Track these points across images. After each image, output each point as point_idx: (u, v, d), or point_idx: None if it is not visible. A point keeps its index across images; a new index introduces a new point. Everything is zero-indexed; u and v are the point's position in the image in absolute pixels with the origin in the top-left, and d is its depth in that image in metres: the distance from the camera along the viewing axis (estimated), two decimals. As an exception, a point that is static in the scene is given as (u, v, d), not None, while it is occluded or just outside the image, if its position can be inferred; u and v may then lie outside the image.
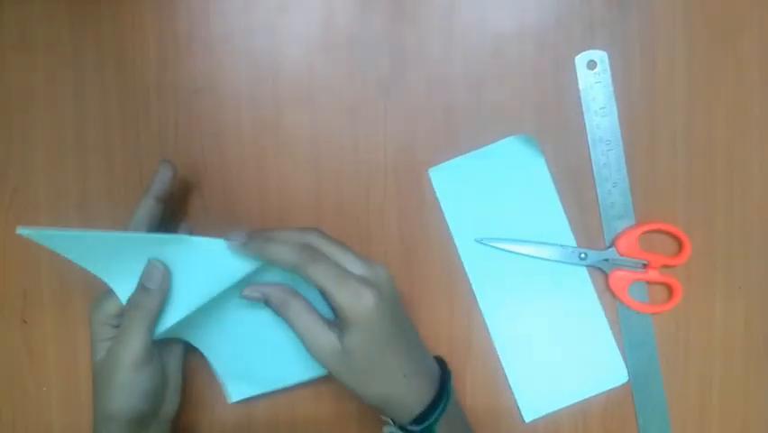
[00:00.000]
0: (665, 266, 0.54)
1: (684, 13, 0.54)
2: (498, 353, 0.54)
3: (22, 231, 0.42)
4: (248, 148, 0.54)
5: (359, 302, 0.42)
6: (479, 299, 0.54)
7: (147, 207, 0.48)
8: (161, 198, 0.49)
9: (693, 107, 0.54)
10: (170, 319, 0.46)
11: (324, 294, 0.43)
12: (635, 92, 0.54)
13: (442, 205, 0.54)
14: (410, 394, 0.45)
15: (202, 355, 0.52)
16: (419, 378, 0.45)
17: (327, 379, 0.54)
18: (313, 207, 0.54)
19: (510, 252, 0.54)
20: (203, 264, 0.46)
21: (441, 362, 0.48)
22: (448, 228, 0.54)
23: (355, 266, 0.44)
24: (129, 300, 0.45)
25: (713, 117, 0.54)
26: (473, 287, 0.54)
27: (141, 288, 0.45)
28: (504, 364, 0.54)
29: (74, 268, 0.53)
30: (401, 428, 0.45)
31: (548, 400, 0.54)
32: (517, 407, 0.54)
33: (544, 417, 0.54)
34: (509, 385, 0.54)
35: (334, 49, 0.54)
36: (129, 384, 0.45)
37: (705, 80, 0.54)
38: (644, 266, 0.54)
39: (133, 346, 0.45)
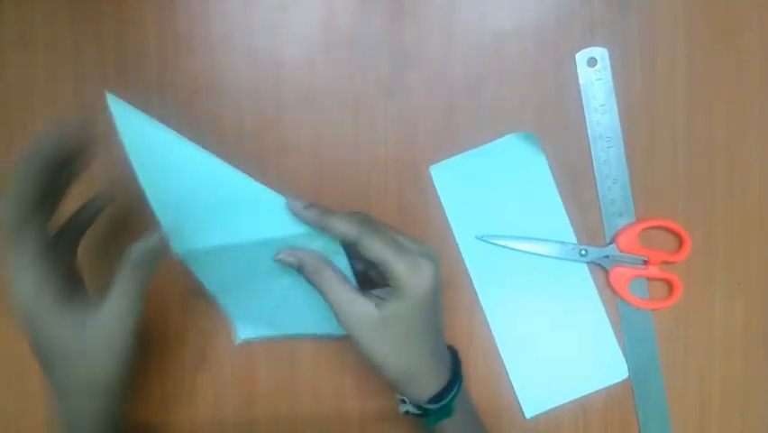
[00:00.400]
0: (665, 263, 0.54)
1: (685, 11, 0.54)
2: (499, 349, 0.54)
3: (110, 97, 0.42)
4: (249, 147, 0.54)
5: (417, 273, 0.43)
6: (480, 295, 0.54)
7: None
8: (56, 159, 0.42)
9: (693, 104, 0.54)
10: (199, 241, 0.46)
11: (381, 265, 0.43)
12: (635, 89, 0.54)
13: (443, 202, 0.54)
14: (431, 373, 0.46)
15: (202, 354, 0.52)
16: (440, 360, 0.47)
17: (330, 369, 0.54)
18: (314, 205, 0.54)
19: (511, 249, 0.54)
20: (251, 208, 0.46)
21: (451, 349, 0.50)
22: (449, 226, 0.54)
23: (409, 243, 0.45)
24: (130, 259, 0.42)
25: (713, 114, 0.54)
26: (474, 284, 0.54)
27: (147, 249, 0.43)
28: (505, 361, 0.54)
29: (76, 268, 0.54)
30: (417, 406, 0.46)
31: (549, 396, 0.55)
32: (518, 403, 0.55)
33: (544, 413, 0.55)
34: (510, 381, 0.54)
35: (335, 48, 0.54)
36: (124, 350, 0.43)
37: (705, 78, 0.54)
38: (645, 263, 0.54)
39: (136, 307, 0.43)
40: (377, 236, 0.43)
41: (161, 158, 0.44)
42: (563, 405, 0.55)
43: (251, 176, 0.46)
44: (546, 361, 0.54)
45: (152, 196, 0.45)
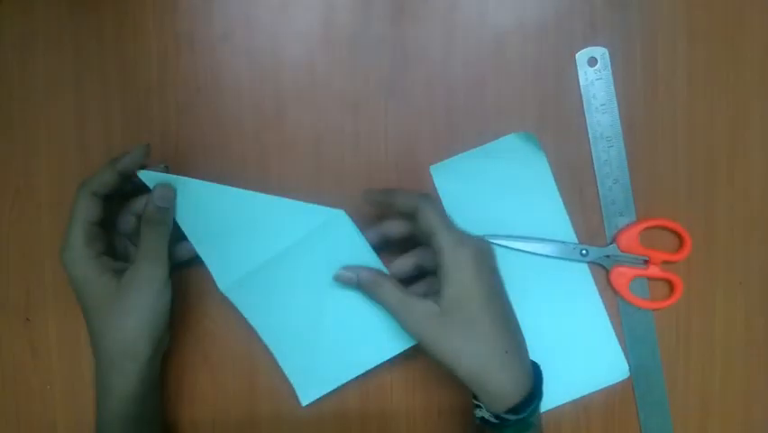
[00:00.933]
0: (666, 262, 0.54)
1: (685, 10, 0.54)
2: (500, 349, 0.54)
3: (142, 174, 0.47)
4: (250, 146, 0.54)
5: (462, 246, 0.44)
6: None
7: (107, 177, 0.47)
8: (124, 173, 0.47)
9: (694, 103, 0.54)
10: (239, 269, 0.49)
11: (432, 235, 0.44)
12: (636, 89, 0.54)
13: (443, 202, 0.54)
14: (508, 376, 0.45)
15: (203, 354, 0.52)
16: (518, 362, 0.45)
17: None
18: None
19: (511, 248, 0.54)
20: (273, 220, 0.49)
21: (534, 364, 0.48)
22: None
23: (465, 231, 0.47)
24: (146, 219, 0.46)
25: (714, 113, 0.54)
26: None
27: (156, 207, 0.46)
28: (506, 361, 0.54)
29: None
30: (496, 416, 0.45)
31: (550, 396, 0.54)
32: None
33: (545, 412, 0.55)
34: (511, 381, 0.54)
35: (336, 47, 0.54)
36: (157, 305, 0.46)
37: (706, 77, 0.54)
38: (645, 262, 0.54)
39: (163, 262, 0.46)
40: (433, 207, 0.45)
41: (197, 206, 0.48)
42: (564, 405, 0.55)
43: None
44: (547, 360, 0.54)
45: (196, 242, 0.49)
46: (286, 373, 0.53)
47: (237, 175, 0.54)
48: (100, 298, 0.46)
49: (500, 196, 0.54)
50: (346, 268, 0.48)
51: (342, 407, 0.55)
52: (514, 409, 0.44)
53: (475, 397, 0.46)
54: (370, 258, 0.49)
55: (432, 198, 0.47)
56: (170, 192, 0.47)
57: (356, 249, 0.49)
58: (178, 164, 0.54)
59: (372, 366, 0.51)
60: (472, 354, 0.44)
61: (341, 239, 0.49)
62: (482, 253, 0.45)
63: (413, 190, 0.47)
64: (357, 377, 0.52)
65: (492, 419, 0.45)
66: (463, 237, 0.45)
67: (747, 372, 0.55)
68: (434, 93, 0.54)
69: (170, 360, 0.55)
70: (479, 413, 0.46)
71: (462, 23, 0.54)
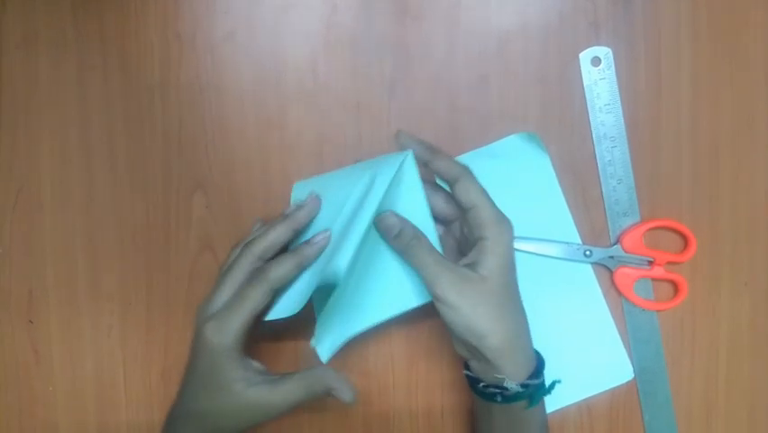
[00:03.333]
0: (671, 263, 0.54)
1: (689, 10, 0.54)
2: (504, 350, 0.54)
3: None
4: (252, 146, 0.54)
5: (503, 222, 0.45)
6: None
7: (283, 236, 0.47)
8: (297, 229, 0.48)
9: (698, 103, 0.54)
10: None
11: (473, 209, 0.45)
12: (639, 89, 0.54)
13: (446, 203, 0.54)
14: (529, 345, 0.47)
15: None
16: (530, 335, 0.47)
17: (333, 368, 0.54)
18: (317, 205, 0.54)
19: (515, 249, 0.54)
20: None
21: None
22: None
23: None
24: (308, 378, 0.46)
25: (718, 113, 0.54)
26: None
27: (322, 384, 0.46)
28: (509, 362, 0.54)
29: (79, 268, 0.54)
30: (521, 384, 0.45)
31: (553, 398, 0.54)
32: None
33: (549, 414, 0.54)
34: (515, 383, 0.54)
35: (338, 47, 0.54)
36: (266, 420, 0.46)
37: (710, 77, 0.54)
38: (650, 263, 0.54)
39: (292, 407, 0.46)
40: (475, 179, 0.46)
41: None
42: (568, 406, 0.54)
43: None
44: (551, 362, 0.54)
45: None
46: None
47: (240, 175, 0.54)
48: (222, 384, 0.45)
49: (503, 196, 0.54)
50: (392, 213, 0.46)
51: (344, 407, 0.55)
52: (535, 374, 0.46)
53: (478, 379, 0.46)
54: (422, 209, 0.47)
55: (469, 171, 0.46)
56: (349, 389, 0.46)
57: (412, 196, 0.47)
58: (181, 165, 0.54)
59: (381, 320, 0.48)
60: (504, 322, 0.45)
61: (402, 184, 0.47)
62: (512, 230, 0.46)
63: (453, 160, 0.46)
64: (365, 335, 0.49)
65: (519, 388, 0.45)
66: (502, 214, 0.46)
67: (752, 373, 0.55)
68: (437, 93, 0.54)
69: (171, 360, 0.55)
70: (507, 384, 0.45)
71: (465, 23, 0.54)
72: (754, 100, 0.54)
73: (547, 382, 0.48)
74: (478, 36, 0.54)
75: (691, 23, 0.54)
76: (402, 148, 0.47)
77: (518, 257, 0.53)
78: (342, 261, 0.45)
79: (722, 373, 0.55)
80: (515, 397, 0.45)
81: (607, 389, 0.54)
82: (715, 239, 0.54)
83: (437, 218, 0.48)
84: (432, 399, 0.55)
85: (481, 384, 0.47)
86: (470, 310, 0.44)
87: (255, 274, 0.46)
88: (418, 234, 0.46)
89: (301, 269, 0.46)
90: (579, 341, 0.54)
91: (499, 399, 0.46)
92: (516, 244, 0.54)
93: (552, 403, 0.54)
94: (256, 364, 0.47)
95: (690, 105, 0.54)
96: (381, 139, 0.54)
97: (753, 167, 0.54)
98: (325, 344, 0.48)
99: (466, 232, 0.47)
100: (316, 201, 0.48)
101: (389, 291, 0.48)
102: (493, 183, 0.54)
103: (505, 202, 0.54)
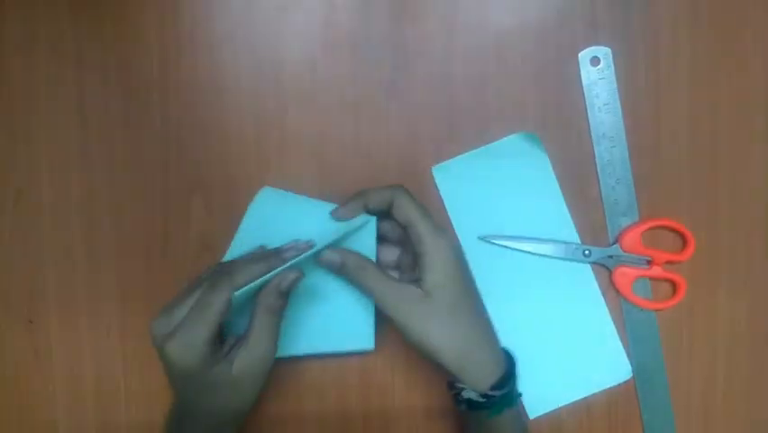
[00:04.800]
0: (669, 262, 0.54)
1: (688, 9, 0.53)
2: (503, 350, 0.54)
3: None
4: (251, 147, 0.54)
5: (441, 235, 0.46)
6: (483, 296, 0.54)
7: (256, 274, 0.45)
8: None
9: (697, 103, 0.54)
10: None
11: (410, 226, 0.46)
12: (638, 88, 0.54)
13: (445, 203, 0.54)
14: (489, 356, 0.47)
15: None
16: (494, 343, 0.48)
17: (334, 369, 0.54)
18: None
19: (514, 249, 0.54)
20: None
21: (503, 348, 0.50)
22: (452, 226, 0.54)
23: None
24: (262, 304, 0.45)
25: (717, 113, 0.54)
26: (477, 284, 0.54)
27: (279, 294, 0.45)
28: (508, 361, 0.54)
29: (79, 268, 0.54)
30: (482, 394, 0.46)
31: (552, 397, 0.54)
32: (522, 403, 0.54)
33: (548, 413, 0.54)
34: (514, 382, 0.54)
35: (337, 47, 0.54)
36: (262, 386, 0.46)
37: (709, 76, 0.54)
38: (648, 262, 0.54)
39: (275, 342, 0.46)
40: (408, 197, 0.46)
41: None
42: (567, 405, 0.55)
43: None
44: (549, 361, 0.54)
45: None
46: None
47: (238, 177, 0.54)
48: (209, 385, 0.45)
49: (503, 196, 0.54)
50: (332, 250, 0.47)
51: (344, 407, 0.55)
52: (498, 385, 0.46)
53: (453, 384, 0.47)
54: (370, 239, 0.49)
55: (405, 188, 0.47)
56: (297, 277, 0.45)
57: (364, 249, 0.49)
58: (179, 165, 0.54)
59: (314, 353, 0.51)
60: (457, 336, 0.46)
61: (359, 239, 0.49)
62: (457, 244, 0.47)
63: (383, 186, 0.48)
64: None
65: (479, 399, 0.46)
66: (440, 228, 0.46)
67: (750, 372, 0.55)
68: (436, 93, 0.54)
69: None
70: (465, 395, 0.47)
71: (464, 23, 0.54)
72: (753, 99, 0.54)
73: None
74: (476, 36, 0.54)
75: (690, 23, 0.54)
76: (341, 217, 0.49)
77: (517, 257, 0.54)
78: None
79: (720, 371, 0.55)
80: (477, 406, 0.46)
81: (605, 388, 0.54)
82: (713, 239, 0.54)
83: (393, 241, 0.50)
84: (431, 398, 0.55)
85: (452, 391, 0.48)
86: (420, 328, 0.45)
87: (216, 278, 0.44)
88: (362, 263, 0.47)
89: (263, 280, 0.45)
90: (577, 340, 0.54)
91: (464, 406, 0.47)
92: (515, 244, 0.54)
93: (550, 402, 0.54)
94: (226, 347, 0.46)
95: (689, 104, 0.54)
96: (380, 139, 0.54)
97: (751, 166, 0.54)
98: None
99: (412, 252, 0.48)
100: (307, 247, 0.47)
101: (335, 327, 0.50)
102: (492, 183, 0.54)
103: (504, 202, 0.54)
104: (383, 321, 0.50)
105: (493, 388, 0.46)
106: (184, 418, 0.48)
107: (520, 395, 0.50)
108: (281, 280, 0.44)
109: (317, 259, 0.47)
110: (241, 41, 0.54)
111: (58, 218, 0.54)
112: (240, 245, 0.50)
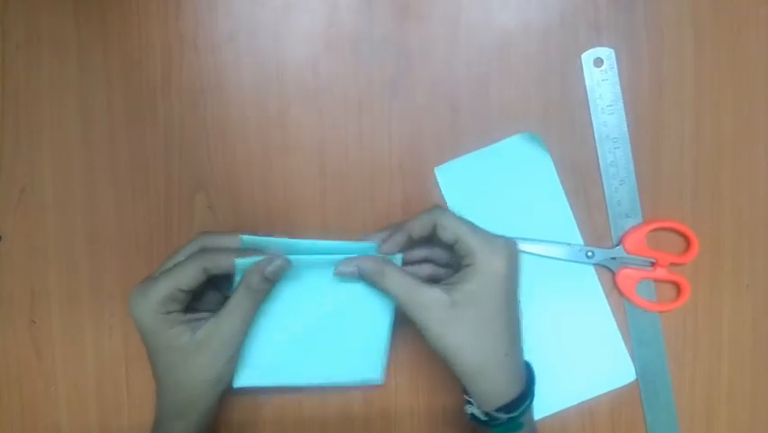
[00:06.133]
0: (673, 264, 0.53)
1: (691, 10, 0.53)
2: (505, 351, 0.54)
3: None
4: (253, 147, 0.54)
5: (492, 247, 0.44)
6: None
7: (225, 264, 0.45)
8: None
9: (701, 104, 0.54)
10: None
11: (457, 242, 0.44)
12: (642, 89, 0.54)
13: (448, 203, 0.54)
14: (504, 375, 0.45)
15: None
16: (515, 365, 0.46)
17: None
18: (318, 206, 0.54)
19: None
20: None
21: (527, 364, 0.49)
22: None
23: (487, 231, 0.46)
24: (247, 284, 0.44)
25: (721, 114, 0.54)
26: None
27: (264, 279, 0.44)
28: (511, 363, 0.54)
29: (81, 268, 0.54)
30: (486, 413, 0.45)
31: (555, 400, 0.54)
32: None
33: (551, 416, 0.54)
34: (516, 384, 0.54)
35: (340, 48, 0.54)
36: (231, 362, 0.46)
37: (713, 77, 0.54)
38: (652, 264, 0.53)
39: (248, 322, 0.45)
40: (451, 215, 0.45)
41: None
42: (570, 408, 0.54)
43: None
44: (553, 363, 0.54)
45: None
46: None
47: (241, 176, 0.54)
48: (169, 349, 0.45)
49: (505, 197, 0.54)
50: (344, 261, 0.46)
51: (346, 408, 0.55)
52: (505, 408, 0.45)
53: (466, 393, 0.47)
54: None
55: (443, 207, 0.46)
56: (287, 268, 0.45)
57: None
58: (182, 165, 0.54)
59: (319, 384, 0.50)
60: (476, 350, 0.44)
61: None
62: (509, 253, 0.45)
63: (421, 213, 0.46)
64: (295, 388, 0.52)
65: (482, 417, 0.45)
66: (491, 238, 0.45)
67: (754, 375, 0.54)
68: (439, 94, 0.54)
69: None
70: (469, 409, 0.46)
71: (467, 24, 0.54)
72: (757, 101, 0.54)
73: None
74: (479, 36, 0.54)
75: (694, 24, 0.53)
76: (388, 251, 0.46)
77: (521, 258, 0.53)
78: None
79: (724, 374, 0.54)
80: (479, 422, 0.46)
81: (609, 390, 0.54)
82: (717, 240, 0.54)
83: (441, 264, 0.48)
84: (434, 399, 0.55)
85: (465, 396, 0.47)
86: (437, 333, 0.44)
87: (195, 254, 0.45)
88: (380, 268, 0.45)
89: (234, 270, 0.45)
90: (581, 342, 0.54)
91: (468, 418, 0.47)
92: (519, 246, 0.53)
93: (554, 405, 0.54)
94: (199, 314, 0.46)
95: (693, 105, 0.54)
96: (382, 140, 0.54)
97: (755, 168, 0.54)
98: (248, 371, 0.49)
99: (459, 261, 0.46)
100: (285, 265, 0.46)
101: (338, 359, 0.49)
102: (495, 184, 0.54)
103: (507, 203, 0.54)
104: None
105: (499, 409, 0.44)
106: (160, 395, 0.47)
107: (524, 425, 0.46)
108: (267, 264, 0.44)
109: (335, 272, 0.46)
110: (243, 40, 0.54)
111: (60, 218, 0.54)
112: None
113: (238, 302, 0.45)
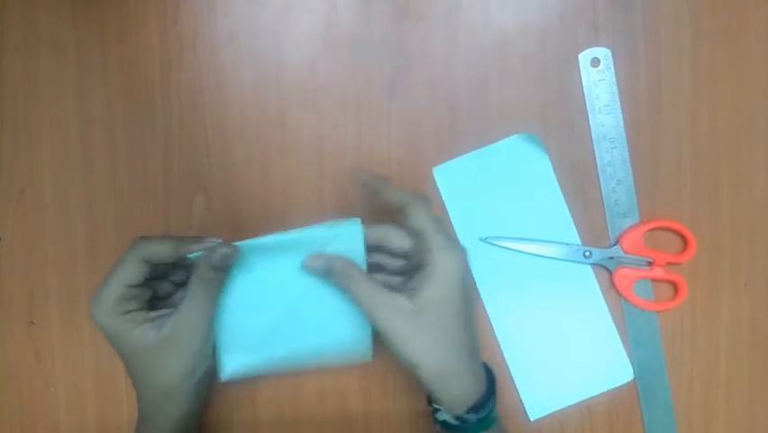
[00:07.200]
0: (670, 264, 0.54)
1: (689, 10, 0.54)
2: (503, 351, 0.54)
3: None
4: (252, 148, 0.54)
5: (454, 249, 0.44)
6: (483, 297, 0.54)
7: (165, 252, 0.46)
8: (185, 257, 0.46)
9: (698, 104, 0.54)
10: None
11: (422, 234, 0.44)
12: (639, 89, 0.54)
13: (446, 204, 0.54)
14: (469, 378, 0.45)
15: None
16: (477, 366, 0.46)
17: (334, 371, 0.54)
18: (317, 206, 0.54)
19: (514, 250, 0.54)
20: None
21: (485, 364, 0.49)
22: (452, 227, 0.54)
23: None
24: (200, 276, 0.45)
25: (718, 114, 0.54)
26: (477, 286, 0.54)
27: (214, 267, 0.44)
28: (509, 363, 0.54)
29: (80, 269, 0.54)
30: (457, 417, 0.45)
31: (553, 399, 0.54)
32: (522, 406, 0.54)
33: (549, 415, 0.54)
34: (514, 383, 0.54)
35: (338, 48, 0.54)
36: (200, 353, 0.46)
37: (710, 77, 0.54)
38: (649, 264, 0.54)
39: (209, 311, 0.45)
40: (426, 208, 0.45)
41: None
42: (568, 408, 0.54)
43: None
44: (550, 363, 0.54)
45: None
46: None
47: (240, 176, 0.54)
48: (137, 349, 0.45)
49: (503, 197, 0.54)
50: (315, 256, 0.46)
51: (344, 408, 0.55)
52: (474, 409, 0.45)
53: (431, 401, 0.47)
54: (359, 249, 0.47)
55: (424, 198, 0.46)
56: (234, 255, 0.45)
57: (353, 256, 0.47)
58: (181, 165, 0.54)
59: (306, 362, 0.50)
60: (439, 355, 0.44)
61: (346, 245, 0.47)
62: (465, 256, 0.45)
63: (402, 188, 0.47)
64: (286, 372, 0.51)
65: (453, 421, 0.45)
66: (452, 242, 0.45)
67: (752, 373, 0.54)
68: (437, 94, 0.54)
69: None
70: (440, 417, 0.46)
71: (465, 24, 0.54)
72: (755, 101, 0.54)
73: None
74: (477, 37, 0.54)
75: (691, 24, 0.54)
76: (357, 184, 0.47)
77: (518, 258, 0.54)
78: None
79: (722, 373, 0.55)
80: (452, 428, 0.46)
81: (607, 390, 0.54)
82: (715, 240, 0.54)
83: (397, 253, 0.47)
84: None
85: (430, 407, 0.47)
86: (402, 341, 0.44)
87: (133, 243, 0.46)
88: (348, 270, 0.45)
89: (178, 254, 0.45)
90: (578, 342, 0.54)
91: (439, 427, 0.47)
92: (515, 245, 0.54)
93: (551, 405, 0.54)
94: (162, 310, 0.46)
95: (690, 105, 0.54)
96: (381, 140, 0.54)
97: (753, 167, 0.54)
98: (233, 364, 0.49)
99: (416, 261, 0.46)
100: (231, 253, 0.46)
101: (328, 337, 0.49)
102: (493, 184, 0.54)
103: (504, 203, 0.54)
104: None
105: (469, 411, 0.44)
106: (138, 393, 0.47)
107: (496, 418, 0.47)
108: (211, 254, 0.44)
109: (303, 264, 0.46)
110: (242, 40, 0.54)
111: (59, 219, 0.54)
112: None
113: (194, 294, 0.45)
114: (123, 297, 0.44)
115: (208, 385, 0.50)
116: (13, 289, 0.55)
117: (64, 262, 0.55)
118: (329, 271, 0.46)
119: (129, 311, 0.45)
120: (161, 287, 0.49)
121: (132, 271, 0.44)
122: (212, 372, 0.48)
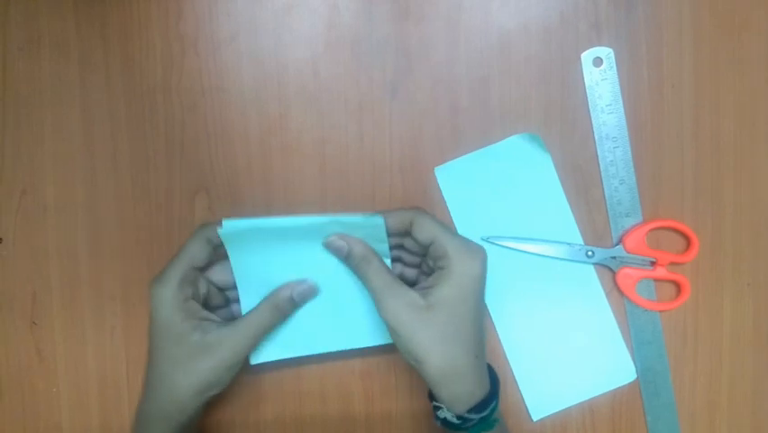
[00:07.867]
0: (673, 263, 0.54)
1: (691, 9, 0.53)
2: (506, 351, 0.54)
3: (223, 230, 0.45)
4: (254, 148, 0.54)
5: (468, 251, 0.44)
6: (485, 297, 0.54)
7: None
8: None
9: (700, 103, 0.54)
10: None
11: (433, 243, 0.45)
12: (641, 89, 0.54)
13: (448, 204, 0.54)
14: (474, 378, 0.45)
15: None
16: (483, 367, 0.46)
17: (336, 371, 0.54)
18: (319, 206, 0.54)
19: (517, 250, 0.54)
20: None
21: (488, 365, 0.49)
22: (454, 227, 0.54)
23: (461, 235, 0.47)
24: (274, 303, 0.46)
25: (720, 113, 0.54)
26: (480, 285, 0.54)
27: (292, 300, 0.47)
28: (511, 363, 0.54)
29: (83, 269, 0.54)
30: (458, 416, 0.45)
31: (556, 399, 0.54)
32: (525, 406, 0.54)
33: (551, 415, 0.54)
34: (517, 383, 0.54)
35: (340, 49, 0.54)
36: (229, 374, 0.46)
37: (712, 76, 0.54)
38: (652, 264, 0.53)
39: (257, 340, 0.46)
40: (430, 217, 0.45)
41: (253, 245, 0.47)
42: (571, 408, 0.54)
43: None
44: (553, 363, 0.54)
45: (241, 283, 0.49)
46: None
47: (242, 176, 0.54)
48: (179, 344, 0.45)
49: (505, 197, 0.54)
50: (338, 235, 0.46)
51: (347, 408, 0.55)
52: (476, 408, 0.45)
53: (433, 398, 0.47)
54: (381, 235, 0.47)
55: (425, 210, 0.46)
56: (314, 291, 0.48)
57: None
58: (183, 166, 0.54)
59: (329, 350, 0.51)
60: (445, 353, 0.44)
61: (372, 235, 0.47)
62: (483, 257, 0.45)
63: (400, 208, 0.47)
64: (310, 357, 0.51)
65: (454, 420, 0.45)
66: (468, 243, 0.45)
67: (755, 373, 0.54)
68: (439, 94, 0.54)
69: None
70: (440, 414, 0.46)
71: (467, 24, 0.54)
72: (757, 100, 0.54)
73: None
74: (479, 37, 0.54)
75: (693, 24, 0.54)
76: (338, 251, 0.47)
77: (520, 258, 0.54)
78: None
79: (725, 373, 0.54)
80: (452, 426, 0.46)
81: (609, 390, 0.54)
82: (717, 239, 0.54)
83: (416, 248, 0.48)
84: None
85: (431, 403, 0.48)
86: (409, 336, 0.44)
87: (196, 229, 0.46)
88: (368, 256, 0.46)
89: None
90: (581, 342, 0.54)
91: (439, 423, 0.47)
92: (518, 245, 0.54)
93: (554, 404, 0.54)
94: (213, 316, 0.47)
95: (693, 105, 0.54)
96: (383, 140, 0.54)
97: (755, 167, 0.54)
98: (264, 349, 0.50)
99: (426, 269, 0.47)
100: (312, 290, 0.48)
101: (350, 324, 0.50)
102: (495, 184, 0.54)
103: (507, 203, 0.54)
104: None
105: (471, 410, 0.44)
106: (148, 396, 0.47)
107: (498, 421, 0.47)
108: (294, 288, 0.46)
109: (325, 242, 0.47)
110: (244, 42, 0.54)
111: (61, 219, 0.54)
112: (248, 290, 0.49)
113: (260, 316, 0.46)
114: (186, 279, 0.45)
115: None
116: (16, 289, 0.55)
117: (66, 262, 0.55)
118: (349, 254, 0.46)
119: (189, 298, 0.45)
120: (215, 296, 0.49)
121: (197, 249, 0.45)
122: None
